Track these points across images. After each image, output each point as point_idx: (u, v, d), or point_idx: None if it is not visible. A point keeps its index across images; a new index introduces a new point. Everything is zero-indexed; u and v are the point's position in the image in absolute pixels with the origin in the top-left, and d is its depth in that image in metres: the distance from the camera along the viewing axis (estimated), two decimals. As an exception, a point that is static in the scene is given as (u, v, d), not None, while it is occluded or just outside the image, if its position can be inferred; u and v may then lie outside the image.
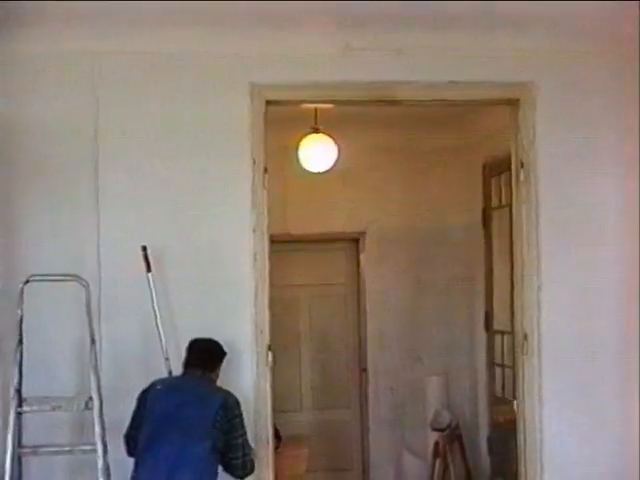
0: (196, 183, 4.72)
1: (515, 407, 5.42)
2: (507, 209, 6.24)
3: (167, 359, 4.53)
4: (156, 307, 4.53)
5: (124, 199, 4.69)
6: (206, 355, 4.33)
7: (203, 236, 4.71)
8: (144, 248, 4.55)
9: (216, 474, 4.07)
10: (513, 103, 4.99)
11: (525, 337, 4.97)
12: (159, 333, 4.52)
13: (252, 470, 4.27)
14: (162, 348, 4.53)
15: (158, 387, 4.21)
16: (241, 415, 4.15)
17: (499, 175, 6.60)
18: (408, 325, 7.35)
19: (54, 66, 4.64)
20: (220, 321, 4.63)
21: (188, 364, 4.30)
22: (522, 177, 4.95)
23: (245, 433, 4.17)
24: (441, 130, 6.90)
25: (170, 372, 4.50)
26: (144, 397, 4.19)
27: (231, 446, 4.09)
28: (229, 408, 4.09)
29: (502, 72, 4.87)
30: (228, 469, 4.16)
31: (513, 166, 5.04)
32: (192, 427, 4.02)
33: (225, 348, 4.38)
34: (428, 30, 4.70)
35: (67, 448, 4.37)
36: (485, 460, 7.09)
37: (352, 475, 7.67)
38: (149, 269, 4.56)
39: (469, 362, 7.35)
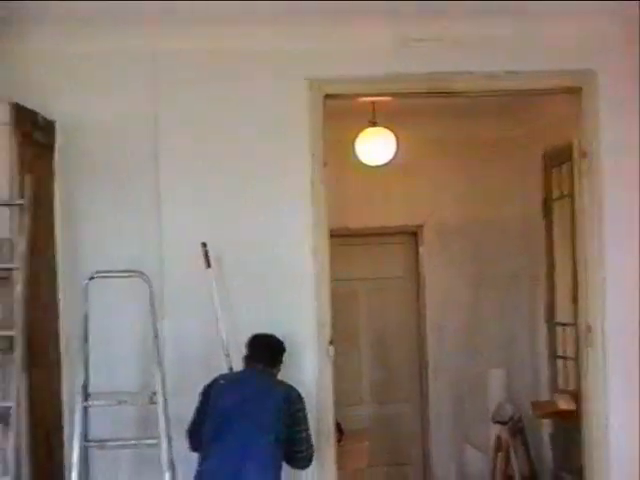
0: (256, 178, 4.73)
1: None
2: (568, 199, 6.15)
3: (227, 355, 4.54)
4: (217, 303, 4.55)
5: (185, 196, 4.73)
6: (267, 351, 4.34)
7: (263, 231, 4.73)
8: (204, 244, 4.58)
9: (281, 467, 4.09)
10: (575, 92, 4.91)
11: (589, 329, 4.90)
12: (219, 329, 4.54)
13: (311, 461, 4.28)
14: (222, 344, 4.55)
15: (221, 382, 4.24)
16: (304, 409, 4.16)
17: (560, 165, 6.50)
18: (468, 318, 7.29)
19: (115, 64, 4.69)
20: (281, 316, 4.64)
21: (249, 360, 4.32)
22: (584, 167, 4.87)
23: (308, 428, 4.18)
24: (500, 120, 6.81)
25: (231, 368, 4.52)
26: (207, 392, 4.21)
27: (295, 440, 4.10)
28: (292, 402, 4.11)
29: (563, 60, 4.80)
30: (291, 462, 4.17)
31: (575, 156, 4.97)
32: (256, 421, 4.04)
33: (285, 344, 4.39)
34: (485, 19, 4.65)
35: (132, 442, 4.42)
36: (548, 453, 7.02)
37: (413, 469, 7.64)
38: (209, 265, 4.59)
39: (530, 354, 7.27)
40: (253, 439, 4.00)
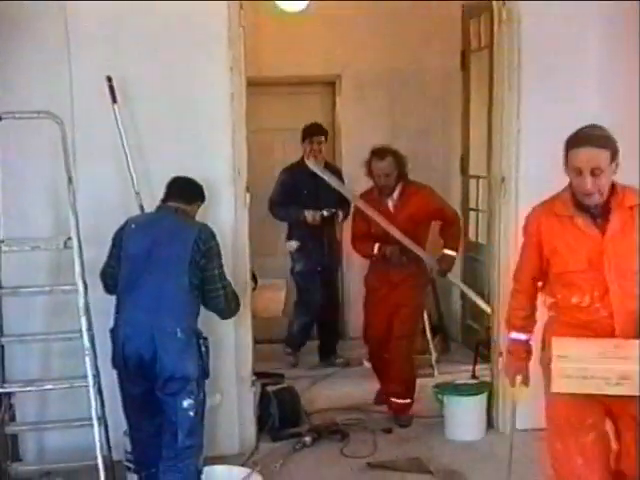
0: (170, 17, 4.57)
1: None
2: (487, 52, 6.13)
3: (137, 193, 4.49)
4: (124, 140, 4.47)
5: (96, 32, 4.55)
6: (186, 189, 4.21)
7: (178, 72, 4.62)
8: (109, 78, 4.45)
9: (197, 313, 4.04)
10: (494, -64, 4.82)
11: (502, 180, 4.97)
12: (128, 165, 4.48)
13: (237, 307, 4.24)
14: (132, 182, 4.49)
15: (132, 226, 4.11)
16: (217, 246, 4.05)
17: (479, 16, 6.44)
18: (384, 170, 7.29)
19: None
20: (196, 159, 4.59)
21: (165, 199, 4.19)
22: (504, 15, 4.82)
23: (222, 265, 4.07)
24: (421, -33, 6.66)
25: (141, 207, 4.47)
26: (119, 236, 4.10)
27: (207, 278, 4.00)
28: (204, 241, 3.98)
29: None
30: (211, 306, 4.11)
31: (495, 3, 4.90)
32: (168, 265, 3.96)
33: (204, 193, 4.28)
34: None
35: (47, 288, 4.37)
36: (457, 304, 7.27)
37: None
38: (115, 100, 4.47)
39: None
40: (166, 284, 3.93)
